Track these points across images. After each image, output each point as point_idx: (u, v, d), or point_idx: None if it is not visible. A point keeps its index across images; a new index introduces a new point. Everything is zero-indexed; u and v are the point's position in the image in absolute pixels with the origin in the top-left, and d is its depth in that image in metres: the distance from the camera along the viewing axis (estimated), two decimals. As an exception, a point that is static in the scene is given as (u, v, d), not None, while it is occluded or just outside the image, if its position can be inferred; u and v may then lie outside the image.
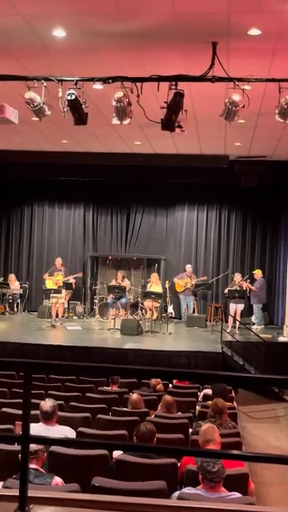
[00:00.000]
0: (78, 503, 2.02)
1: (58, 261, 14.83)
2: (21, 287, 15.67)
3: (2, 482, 3.87)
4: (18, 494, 2.00)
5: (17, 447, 4.42)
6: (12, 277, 15.71)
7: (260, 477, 6.64)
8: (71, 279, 14.96)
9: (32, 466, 3.92)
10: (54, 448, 4.58)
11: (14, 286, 15.49)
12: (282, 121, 7.63)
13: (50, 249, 16.80)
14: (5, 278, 15.77)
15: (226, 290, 14.21)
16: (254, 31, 6.45)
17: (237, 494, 3.77)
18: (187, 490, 3.84)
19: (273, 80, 7.27)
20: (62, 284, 14.18)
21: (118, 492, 3.56)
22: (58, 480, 4.03)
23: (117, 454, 4.77)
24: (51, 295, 13.70)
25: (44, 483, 3.89)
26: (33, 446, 3.86)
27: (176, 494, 3.87)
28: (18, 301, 15.58)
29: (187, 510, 2.05)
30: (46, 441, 3.65)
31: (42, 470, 4.12)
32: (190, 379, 8.37)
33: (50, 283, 14.24)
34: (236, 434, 5.67)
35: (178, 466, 4.55)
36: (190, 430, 6.03)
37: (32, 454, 3.89)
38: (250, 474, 4.72)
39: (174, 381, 8.91)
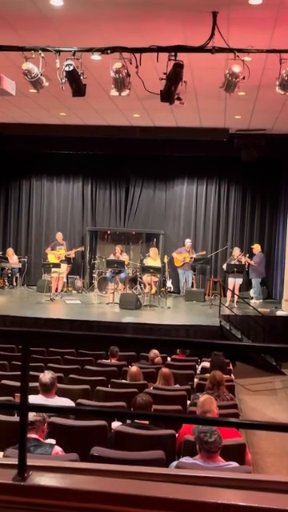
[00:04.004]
0: (76, 471, 2.04)
1: (59, 235, 14.83)
2: (19, 261, 15.68)
3: (1, 453, 3.91)
4: (16, 463, 2.01)
5: (16, 418, 4.46)
6: (10, 251, 15.70)
7: (257, 447, 6.74)
8: (73, 253, 14.98)
9: (32, 435, 3.94)
10: (53, 419, 4.62)
11: (13, 260, 15.49)
12: (282, 93, 7.54)
13: (49, 223, 16.75)
14: (3, 252, 15.76)
15: (224, 265, 14.22)
16: (256, 0, 6.32)
17: (234, 464, 3.81)
18: (185, 459, 3.88)
19: (274, 51, 7.17)
20: (64, 258, 14.21)
21: (117, 461, 3.60)
22: (58, 449, 4.06)
23: (115, 425, 4.82)
24: (52, 269, 13.72)
25: (44, 453, 3.92)
26: (30, 417, 3.86)
27: (174, 463, 3.92)
28: (17, 275, 15.59)
29: (185, 479, 2.06)
30: (44, 409, 3.66)
31: (42, 439, 4.14)
32: (188, 348, 8.40)
33: (52, 257, 14.25)
34: (233, 406, 5.72)
35: (176, 436, 4.61)
36: (188, 402, 6.09)
37: (29, 424, 3.90)
38: (247, 445, 4.78)
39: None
